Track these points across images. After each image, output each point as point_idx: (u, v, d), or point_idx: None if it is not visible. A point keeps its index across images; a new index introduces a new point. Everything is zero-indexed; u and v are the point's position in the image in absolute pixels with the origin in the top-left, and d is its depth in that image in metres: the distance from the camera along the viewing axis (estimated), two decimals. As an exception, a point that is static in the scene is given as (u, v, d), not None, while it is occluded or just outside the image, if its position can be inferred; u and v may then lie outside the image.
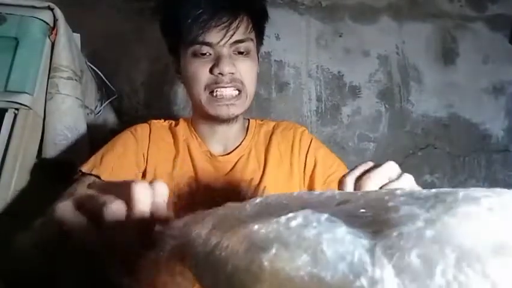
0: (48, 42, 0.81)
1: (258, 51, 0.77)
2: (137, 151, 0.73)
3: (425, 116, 1.29)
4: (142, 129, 0.77)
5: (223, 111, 0.70)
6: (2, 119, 0.74)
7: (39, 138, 0.79)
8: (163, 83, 1.22)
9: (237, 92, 0.70)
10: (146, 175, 0.72)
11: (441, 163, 1.25)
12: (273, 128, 0.83)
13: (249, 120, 0.85)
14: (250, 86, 0.72)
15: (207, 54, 0.69)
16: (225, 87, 0.69)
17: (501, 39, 1.36)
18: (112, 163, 0.69)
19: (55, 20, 0.82)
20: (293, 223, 0.22)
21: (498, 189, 0.20)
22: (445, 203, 0.20)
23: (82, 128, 0.87)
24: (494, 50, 1.35)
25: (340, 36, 1.32)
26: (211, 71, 0.69)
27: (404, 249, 0.18)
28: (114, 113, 1.13)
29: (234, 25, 0.67)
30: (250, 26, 0.71)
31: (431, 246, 0.18)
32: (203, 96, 0.70)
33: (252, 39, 0.72)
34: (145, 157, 0.73)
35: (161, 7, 0.72)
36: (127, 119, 1.15)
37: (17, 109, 0.75)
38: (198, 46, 0.68)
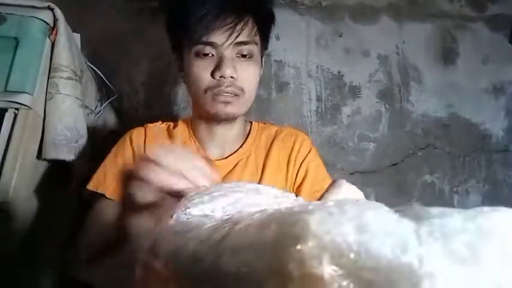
0: (48, 42, 0.81)
1: (262, 55, 0.76)
2: (135, 160, 0.73)
3: (425, 116, 1.29)
4: (137, 136, 0.77)
5: (221, 109, 0.69)
6: (2, 119, 0.74)
7: (39, 138, 0.79)
8: (163, 83, 1.22)
9: (237, 91, 0.70)
10: None
11: (441, 163, 1.25)
12: (275, 133, 0.82)
13: (251, 123, 0.84)
14: (250, 91, 0.71)
15: (210, 55, 0.68)
16: (225, 91, 0.68)
17: (501, 39, 1.36)
18: (115, 178, 0.70)
19: (55, 20, 0.82)
20: (330, 203, 0.21)
21: None
22: (474, 211, 0.20)
23: (82, 128, 0.87)
24: (494, 50, 1.34)
25: (340, 36, 1.32)
26: (212, 74, 0.68)
27: (448, 235, 0.18)
28: (114, 113, 1.13)
29: (238, 26, 0.67)
30: (255, 29, 0.70)
31: (474, 235, 0.17)
32: (202, 97, 0.70)
33: (256, 43, 0.71)
34: None
35: (166, 5, 0.72)
36: (127, 119, 1.15)
37: (17, 109, 0.75)
38: (201, 46, 0.68)
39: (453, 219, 0.19)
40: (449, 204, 1.22)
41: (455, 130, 1.28)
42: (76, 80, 0.85)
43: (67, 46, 0.83)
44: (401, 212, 0.21)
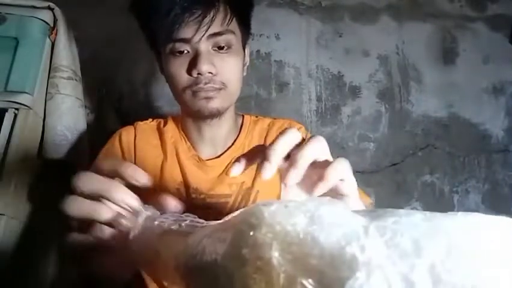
0: (48, 42, 0.81)
1: (244, 44, 0.71)
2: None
3: (425, 116, 1.29)
4: (127, 135, 0.75)
5: (203, 105, 0.65)
6: (2, 119, 0.74)
7: (39, 138, 0.79)
8: (163, 83, 1.21)
9: (218, 86, 0.65)
10: None
11: (441, 163, 1.25)
12: (268, 126, 0.79)
13: (243, 116, 0.81)
14: (232, 84, 0.67)
15: (185, 51, 0.64)
16: (204, 88, 0.64)
17: (501, 39, 1.36)
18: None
19: (55, 20, 0.82)
20: (292, 202, 0.23)
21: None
22: (445, 214, 0.21)
23: (82, 128, 0.87)
24: (494, 50, 1.34)
25: (340, 36, 1.32)
26: (189, 71, 0.64)
27: (397, 231, 0.19)
28: (114, 113, 1.13)
29: (208, 18, 0.61)
30: (230, 16, 0.64)
31: (423, 233, 0.19)
32: (183, 96, 0.67)
33: (232, 31, 0.65)
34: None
35: (135, 4, 0.66)
36: (127, 119, 1.15)
37: (17, 109, 0.75)
38: (173, 44, 0.63)
39: (410, 218, 0.20)
40: (449, 204, 1.22)
41: (455, 130, 1.28)
42: (76, 80, 0.85)
43: (67, 46, 0.83)
44: (362, 212, 0.23)
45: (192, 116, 0.72)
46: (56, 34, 0.82)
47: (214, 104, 0.65)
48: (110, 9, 1.27)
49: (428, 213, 0.21)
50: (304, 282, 0.18)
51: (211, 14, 0.61)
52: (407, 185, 1.22)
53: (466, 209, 1.23)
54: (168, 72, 0.67)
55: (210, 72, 0.63)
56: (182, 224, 0.30)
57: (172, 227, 0.30)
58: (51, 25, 0.82)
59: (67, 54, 0.83)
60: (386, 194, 1.20)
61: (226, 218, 0.26)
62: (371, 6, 1.34)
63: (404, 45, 1.33)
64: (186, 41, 0.63)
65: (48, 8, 0.82)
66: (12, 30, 0.78)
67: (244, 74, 0.74)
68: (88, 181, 0.36)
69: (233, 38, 0.65)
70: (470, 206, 1.23)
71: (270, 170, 0.34)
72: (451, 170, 1.25)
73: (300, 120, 1.24)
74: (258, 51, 1.26)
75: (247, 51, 0.74)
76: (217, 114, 0.68)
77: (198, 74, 0.63)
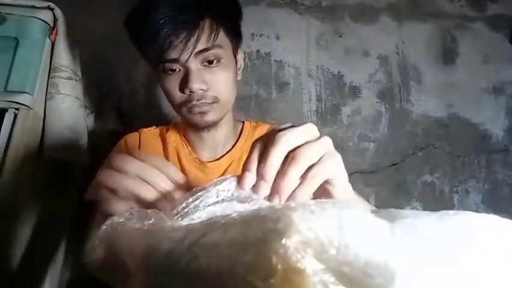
0: (48, 42, 0.81)
1: (235, 51, 0.73)
2: None
3: (425, 116, 1.29)
4: (132, 141, 0.78)
5: (198, 120, 0.69)
6: (2, 119, 0.74)
7: (39, 138, 0.79)
8: (163, 83, 1.22)
9: (210, 101, 0.68)
10: None
11: (441, 163, 1.25)
12: (267, 130, 0.81)
13: (243, 122, 0.84)
14: (224, 97, 0.69)
15: (177, 69, 0.66)
16: (197, 105, 0.67)
17: (501, 39, 1.36)
18: None
19: (55, 20, 0.82)
20: (311, 202, 0.22)
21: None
22: (440, 213, 0.22)
23: (82, 128, 0.87)
24: (494, 50, 1.34)
25: (340, 36, 1.32)
26: (181, 89, 0.66)
27: (420, 234, 0.19)
28: (114, 113, 1.13)
29: (193, 38, 0.62)
30: (216, 32, 0.65)
31: (445, 235, 0.19)
32: (179, 111, 0.70)
33: (219, 46, 0.66)
34: None
35: (126, 26, 0.68)
36: (127, 119, 1.15)
37: (17, 109, 0.75)
38: (164, 64, 0.65)
39: (424, 220, 0.21)
40: (449, 204, 1.22)
41: (455, 130, 1.28)
42: (76, 80, 0.85)
43: (67, 46, 0.83)
44: (376, 213, 0.23)
45: (190, 126, 0.75)
46: (56, 34, 0.82)
47: (209, 118, 0.69)
48: (110, 9, 1.27)
49: (435, 213, 0.21)
50: None
51: (196, 34, 0.62)
52: (407, 185, 1.22)
53: (466, 209, 1.23)
54: (163, 89, 0.70)
55: (201, 89, 0.66)
56: (146, 223, 0.29)
57: (136, 226, 0.29)
58: (51, 25, 0.82)
59: (66, 54, 0.83)
60: (386, 194, 1.20)
61: (226, 221, 0.24)
62: (371, 6, 1.34)
63: (404, 45, 1.33)
64: (175, 61, 0.64)
65: (48, 8, 0.82)
66: (12, 30, 0.78)
67: (239, 78, 0.76)
68: (133, 162, 0.38)
69: (221, 51, 0.67)
70: (470, 206, 1.23)
71: (266, 188, 0.33)
72: (450, 170, 1.25)
73: (300, 120, 1.23)
74: (258, 51, 1.26)
75: (240, 56, 0.76)
76: (213, 125, 0.72)
77: (190, 92, 0.65)
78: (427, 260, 0.18)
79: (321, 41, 1.31)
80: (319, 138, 0.36)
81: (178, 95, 0.67)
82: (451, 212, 0.21)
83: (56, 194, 0.85)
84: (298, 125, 0.35)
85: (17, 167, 0.73)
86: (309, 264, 0.18)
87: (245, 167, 0.34)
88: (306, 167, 0.33)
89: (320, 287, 0.18)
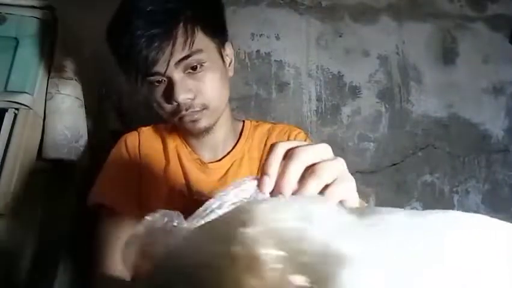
0: (48, 42, 0.81)
1: (221, 50, 0.69)
2: (132, 167, 0.74)
3: (425, 116, 1.29)
4: (131, 141, 0.77)
5: (191, 127, 0.69)
6: (2, 119, 0.74)
7: (39, 138, 0.79)
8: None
9: (199, 109, 0.66)
10: (141, 187, 0.73)
11: (441, 163, 1.25)
12: (268, 130, 0.81)
13: (243, 122, 0.83)
14: (214, 101, 0.67)
15: (162, 81, 0.64)
16: (186, 114, 0.66)
17: (501, 39, 1.36)
18: (117, 188, 0.71)
19: (55, 20, 0.82)
20: (282, 200, 0.23)
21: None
22: (426, 212, 0.22)
23: (82, 128, 0.87)
24: (494, 50, 1.34)
25: (340, 36, 1.32)
26: (168, 101, 0.65)
27: (383, 228, 0.20)
28: (114, 113, 1.13)
29: (167, 49, 0.60)
30: (192, 37, 0.62)
31: (409, 230, 0.20)
32: (170, 120, 0.70)
33: (199, 50, 0.63)
34: (139, 170, 0.74)
35: (107, 39, 0.67)
36: (127, 119, 1.15)
37: (17, 109, 0.75)
38: (146, 77, 0.64)
39: (394, 216, 0.21)
40: (449, 204, 1.22)
41: (455, 130, 1.28)
42: (76, 80, 0.85)
43: (67, 46, 0.83)
44: (354, 210, 0.23)
45: (185, 132, 0.75)
46: (56, 34, 0.82)
47: (201, 125, 0.68)
48: (110, 9, 1.26)
49: (410, 211, 0.22)
50: (296, 278, 0.18)
51: (170, 45, 0.60)
52: (407, 185, 1.22)
53: (466, 209, 1.23)
54: (149, 101, 0.68)
55: (188, 98, 0.64)
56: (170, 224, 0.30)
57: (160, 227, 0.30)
58: (51, 25, 0.82)
59: (67, 54, 0.83)
60: (386, 194, 1.20)
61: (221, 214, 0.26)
62: (371, 6, 1.34)
63: (404, 45, 1.33)
64: (156, 73, 0.63)
65: (48, 8, 0.82)
66: (12, 30, 0.78)
67: (231, 74, 0.73)
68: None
69: (203, 55, 0.63)
70: (470, 206, 1.23)
71: None
72: (450, 170, 1.25)
73: (300, 120, 1.24)
74: (258, 51, 1.26)
75: (228, 50, 0.72)
76: (206, 130, 0.71)
77: (177, 103, 0.64)
78: (388, 252, 0.18)
79: (321, 41, 1.31)
80: (334, 158, 0.35)
81: (166, 106, 0.66)
82: (435, 211, 0.22)
83: (56, 194, 0.85)
84: (315, 144, 0.35)
85: (17, 167, 0.73)
86: (267, 252, 0.19)
87: (264, 171, 0.33)
88: (324, 184, 0.32)
89: (278, 274, 0.19)
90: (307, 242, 0.19)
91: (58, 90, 0.81)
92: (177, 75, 0.63)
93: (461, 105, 1.30)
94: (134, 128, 0.82)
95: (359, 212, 0.22)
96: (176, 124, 0.71)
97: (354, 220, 0.21)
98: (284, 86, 1.27)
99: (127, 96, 1.21)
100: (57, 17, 0.82)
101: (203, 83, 0.65)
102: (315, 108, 1.26)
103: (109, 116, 1.11)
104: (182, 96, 0.63)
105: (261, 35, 1.27)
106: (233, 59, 0.74)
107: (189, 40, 0.61)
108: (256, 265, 0.19)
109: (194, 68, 0.63)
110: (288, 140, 0.78)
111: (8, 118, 0.74)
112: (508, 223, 0.21)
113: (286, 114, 1.24)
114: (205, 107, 0.66)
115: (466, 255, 0.18)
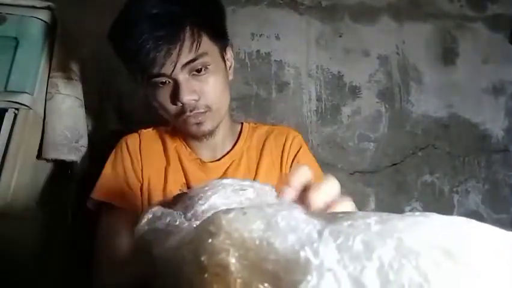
0: (48, 42, 0.81)
1: (223, 54, 0.71)
2: (134, 167, 0.75)
3: (425, 116, 1.29)
4: (132, 143, 0.78)
5: (195, 130, 0.70)
6: (2, 119, 0.74)
7: (39, 138, 0.79)
8: (163, 83, 1.21)
9: (203, 110, 0.68)
10: (142, 187, 0.75)
11: (441, 163, 1.25)
12: (266, 132, 0.82)
13: (242, 124, 0.85)
14: (217, 103, 0.69)
15: (166, 82, 0.65)
16: (191, 115, 0.67)
17: (501, 39, 1.36)
18: (117, 187, 0.72)
19: (55, 20, 0.82)
20: (256, 200, 0.24)
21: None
22: (399, 215, 0.22)
23: (82, 128, 0.87)
24: (494, 50, 1.34)
25: (340, 36, 1.32)
26: (173, 102, 0.66)
27: (350, 234, 0.20)
28: (114, 113, 1.13)
29: (175, 51, 0.61)
30: (198, 40, 0.63)
31: (374, 236, 0.20)
32: (174, 122, 0.71)
33: (204, 53, 0.64)
34: (141, 171, 0.75)
35: (110, 39, 0.68)
36: (127, 119, 1.15)
37: (17, 109, 0.75)
38: (151, 78, 0.65)
39: (364, 221, 0.21)
40: (449, 204, 1.22)
41: (455, 130, 1.28)
42: (76, 80, 0.85)
43: (67, 46, 0.83)
44: (325, 216, 0.23)
45: (187, 133, 0.75)
46: (56, 34, 0.82)
47: (206, 127, 0.70)
48: (110, 9, 1.26)
49: (384, 214, 0.21)
50: (261, 286, 0.19)
51: (177, 47, 0.61)
52: (407, 185, 1.22)
53: (466, 209, 1.23)
54: (155, 101, 0.69)
55: (193, 99, 0.65)
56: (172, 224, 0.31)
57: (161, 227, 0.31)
58: (51, 25, 0.82)
59: (66, 54, 0.83)
60: (386, 194, 1.20)
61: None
62: (371, 6, 1.34)
63: (404, 45, 1.33)
64: (162, 75, 0.64)
65: (48, 8, 0.82)
66: (12, 30, 0.78)
67: (231, 77, 0.75)
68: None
69: (207, 58, 0.65)
70: (470, 206, 1.23)
71: None
72: (450, 170, 1.25)
73: (300, 120, 1.24)
74: (258, 51, 1.26)
75: (229, 55, 0.74)
76: (210, 133, 0.73)
77: (182, 103, 0.65)
78: (348, 260, 0.19)
79: (321, 41, 1.31)
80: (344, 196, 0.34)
81: (171, 107, 0.67)
82: (406, 214, 0.22)
83: (56, 194, 0.85)
84: (330, 180, 0.34)
85: (17, 167, 0.73)
86: (232, 261, 0.20)
87: (288, 182, 0.33)
88: None
89: (242, 282, 0.19)
90: (271, 250, 0.20)
91: (58, 90, 0.81)
92: (182, 77, 0.64)
93: (461, 105, 1.30)
94: (135, 128, 0.82)
95: (329, 218, 0.22)
96: (181, 127, 0.71)
97: (321, 227, 0.21)
98: (284, 86, 1.26)
99: (127, 96, 1.21)
100: (57, 17, 0.82)
101: (207, 84, 0.66)
102: (315, 108, 1.26)
103: (109, 116, 1.11)
104: (187, 97, 0.64)
105: (261, 35, 1.27)
106: (233, 62, 0.76)
107: (196, 43, 0.63)
108: (222, 274, 0.20)
109: (199, 70, 0.65)
110: (285, 142, 0.79)
111: (8, 118, 0.74)
112: (471, 223, 0.21)
113: (286, 114, 1.24)
114: (208, 109, 0.68)
115: (431, 261, 0.18)
